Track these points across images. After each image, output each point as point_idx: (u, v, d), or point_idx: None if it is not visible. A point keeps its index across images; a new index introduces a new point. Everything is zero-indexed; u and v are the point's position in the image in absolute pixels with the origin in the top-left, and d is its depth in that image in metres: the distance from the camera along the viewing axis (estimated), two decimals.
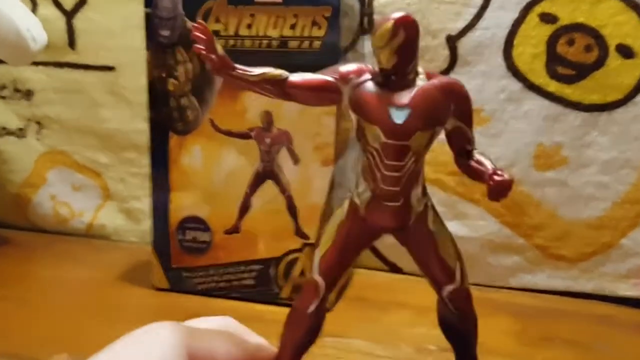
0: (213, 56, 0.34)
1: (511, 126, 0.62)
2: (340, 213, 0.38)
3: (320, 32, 0.53)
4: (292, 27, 0.53)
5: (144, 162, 0.74)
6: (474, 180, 0.37)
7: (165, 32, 0.57)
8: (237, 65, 0.35)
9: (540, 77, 0.60)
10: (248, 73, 0.35)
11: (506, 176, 0.34)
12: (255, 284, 0.59)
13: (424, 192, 0.37)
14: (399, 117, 0.34)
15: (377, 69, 0.35)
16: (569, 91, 0.60)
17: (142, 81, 0.71)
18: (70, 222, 0.79)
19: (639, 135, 0.59)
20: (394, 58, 0.34)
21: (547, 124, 0.61)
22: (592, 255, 0.63)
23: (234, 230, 0.58)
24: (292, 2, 0.53)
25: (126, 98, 0.73)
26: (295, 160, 0.56)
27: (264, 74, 0.35)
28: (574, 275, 0.64)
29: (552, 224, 0.63)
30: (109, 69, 0.73)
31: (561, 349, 0.53)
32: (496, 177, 0.33)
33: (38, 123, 0.78)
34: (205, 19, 0.55)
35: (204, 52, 0.34)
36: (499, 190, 0.33)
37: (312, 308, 0.37)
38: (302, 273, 0.57)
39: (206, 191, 0.58)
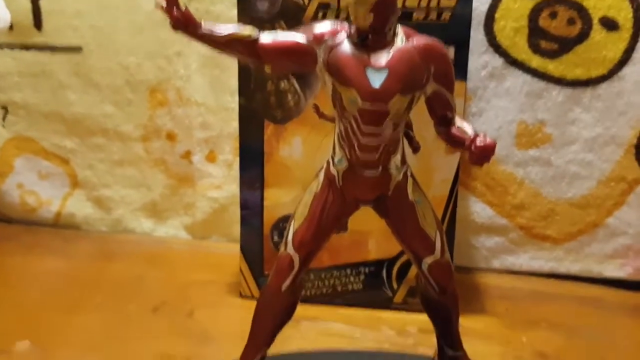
0: (175, 10, 0.31)
1: (493, 104, 0.60)
2: (315, 184, 0.36)
3: (451, 2, 0.47)
4: None
5: (113, 149, 0.71)
6: (455, 148, 0.35)
7: (263, 5, 0.49)
8: (203, 23, 0.32)
9: (523, 52, 0.58)
10: (215, 32, 0.33)
11: (488, 140, 0.32)
12: (363, 288, 0.54)
13: (404, 161, 0.35)
14: (376, 79, 0.32)
15: (353, 28, 0.33)
16: (551, 66, 0.58)
17: (111, 63, 0.69)
18: (38, 212, 0.75)
19: (624, 110, 0.58)
20: (371, 16, 0.32)
21: (529, 100, 0.59)
22: (578, 235, 0.61)
23: (341, 229, 0.52)
24: None
25: (94, 81, 0.70)
26: (415, 148, 0.46)
27: (232, 34, 0.33)
28: (559, 256, 0.62)
29: (536, 203, 0.61)
30: (76, 49, 0.69)
31: (547, 331, 0.51)
32: (478, 142, 0.32)
33: (3, 108, 0.74)
34: None
35: (164, 6, 0.31)
36: (481, 155, 0.31)
37: (286, 284, 0.35)
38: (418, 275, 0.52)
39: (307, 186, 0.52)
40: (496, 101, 0.60)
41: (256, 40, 0.33)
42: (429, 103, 0.35)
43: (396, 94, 0.32)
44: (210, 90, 0.66)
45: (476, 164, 0.32)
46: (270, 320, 0.35)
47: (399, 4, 0.46)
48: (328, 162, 0.35)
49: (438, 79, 0.33)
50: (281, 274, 0.35)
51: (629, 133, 0.59)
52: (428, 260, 0.36)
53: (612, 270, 0.61)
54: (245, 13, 0.49)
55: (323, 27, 0.34)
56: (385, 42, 0.33)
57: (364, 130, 0.33)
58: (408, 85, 0.33)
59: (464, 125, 0.34)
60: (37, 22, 0.70)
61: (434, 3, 0.47)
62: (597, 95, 0.58)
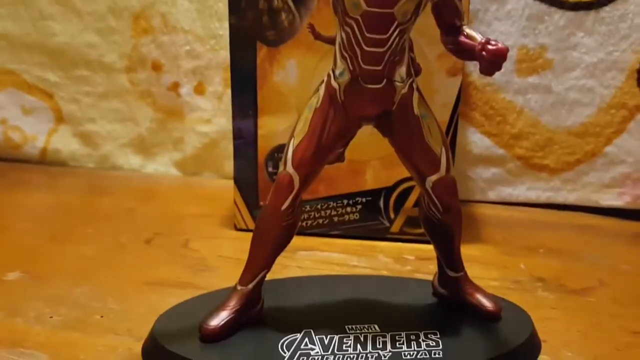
0: None
1: (494, 27, 0.58)
2: (315, 99, 0.34)
3: None
4: None
5: (98, 81, 0.69)
6: (464, 58, 0.33)
7: None
8: None
9: None
10: None
11: (500, 45, 0.30)
12: (360, 218, 0.52)
13: (409, 72, 0.33)
14: None
15: None
16: None
17: None
18: (23, 148, 0.73)
19: (627, 34, 0.56)
20: None
21: (531, 24, 0.57)
22: (576, 164, 0.60)
23: (337, 159, 0.51)
24: None
25: (76, 8, 0.66)
26: (416, 70, 0.46)
27: None
28: (556, 186, 0.61)
29: (534, 132, 0.60)
30: None
31: (545, 256, 0.51)
32: (489, 46, 0.30)
33: None
34: None
35: None
36: (493, 61, 0.30)
37: (286, 204, 0.33)
38: (417, 203, 0.51)
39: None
40: (497, 25, 0.58)
41: None
42: (436, 10, 0.33)
43: None
44: (198, 16, 0.64)
45: (487, 71, 0.30)
46: (269, 241, 0.34)
47: None
48: (329, 75, 0.33)
49: None
50: (280, 194, 0.34)
51: (631, 57, 0.57)
52: (432, 178, 0.34)
53: (610, 199, 0.61)
54: None
55: None
56: None
57: (367, 38, 0.31)
58: None
59: (472, 33, 0.32)
60: None
61: None
62: (600, 19, 0.57)
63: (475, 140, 0.61)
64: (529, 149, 0.61)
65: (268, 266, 0.35)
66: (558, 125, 0.60)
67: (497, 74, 0.57)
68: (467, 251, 0.48)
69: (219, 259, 0.48)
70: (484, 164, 0.62)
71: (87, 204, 0.61)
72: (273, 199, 0.34)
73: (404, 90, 0.33)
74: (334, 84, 0.33)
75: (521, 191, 0.62)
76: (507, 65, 0.58)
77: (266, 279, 0.35)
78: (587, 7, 0.56)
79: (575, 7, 0.57)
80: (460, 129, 0.61)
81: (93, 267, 0.46)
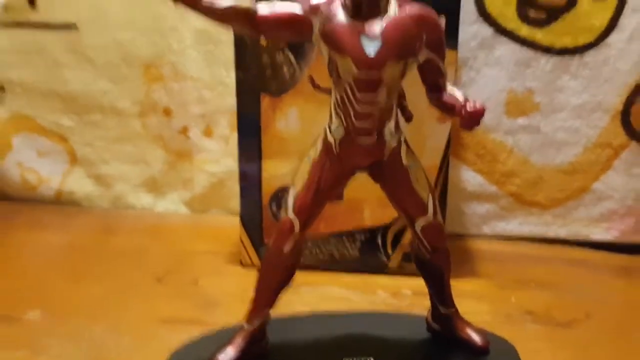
0: None
1: (483, 73, 0.61)
2: (313, 151, 0.37)
3: None
4: None
5: (110, 124, 0.72)
6: (447, 114, 0.36)
7: None
8: None
9: (512, 21, 0.60)
10: (215, 5, 0.34)
11: (478, 105, 0.33)
12: (359, 254, 0.55)
13: (397, 127, 0.37)
14: (371, 47, 0.33)
15: None
16: (540, 35, 0.60)
17: (106, 39, 0.70)
18: (39, 189, 0.76)
19: (610, 77, 0.60)
20: None
21: (518, 69, 0.61)
22: (565, 200, 0.63)
23: (337, 198, 0.54)
24: None
25: (89, 57, 0.70)
26: (408, 117, 0.49)
27: (232, 7, 0.34)
28: (548, 221, 0.64)
29: (525, 170, 0.63)
30: (71, 26, 0.70)
31: (535, 290, 0.53)
32: (468, 107, 0.33)
33: (0, 87, 0.75)
34: None
35: None
36: (471, 119, 0.33)
37: (288, 247, 0.37)
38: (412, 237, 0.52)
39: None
40: (486, 70, 0.61)
41: (254, 12, 0.34)
42: (421, 70, 0.36)
43: (390, 61, 0.34)
44: (205, 65, 0.67)
45: (466, 128, 0.34)
46: (273, 281, 0.37)
47: None
48: (325, 130, 0.37)
49: (430, 46, 0.35)
50: (283, 237, 0.37)
51: (615, 99, 0.60)
52: (421, 222, 0.37)
53: (599, 234, 0.63)
54: None
55: None
56: (378, 11, 0.34)
57: (359, 97, 0.34)
58: (401, 52, 0.34)
59: (454, 92, 0.35)
60: (31, 0, 0.71)
61: None
62: (584, 63, 0.60)
63: (469, 178, 0.64)
64: (520, 186, 0.64)
65: (272, 305, 0.38)
66: (547, 164, 0.63)
67: (487, 115, 0.61)
68: (462, 286, 0.52)
69: (226, 296, 0.51)
70: (478, 200, 0.65)
71: (101, 242, 0.64)
72: (276, 242, 0.37)
73: (394, 144, 0.36)
74: (330, 137, 0.36)
75: (514, 226, 0.65)
76: (497, 108, 0.62)
77: (272, 314, 0.38)
78: (572, 52, 0.60)
79: (560, 53, 0.60)
80: (455, 168, 0.64)
81: (108, 304, 0.49)
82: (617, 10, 0.58)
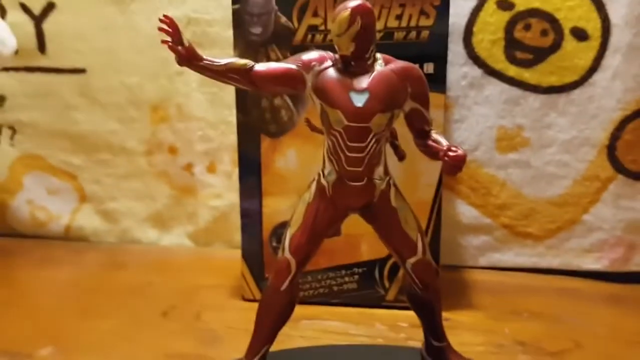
0: (180, 48, 0.35)
1: (474, 111, 0.64)
2: (308, 194, 0.40)
3: (429, 22, 0.51)
4: (398, 17, 0.51)
5: (118, 163, 0.75)
6: (432, 158, 0.39)
7: (256, 30, 0.52)
8: (204, 56, 0.37)
9: (500, 62, 0.63)
10: (215, 63, 0.37)
11: (460, 151, 0.36)
12: (357, 287, 0.57)
13: (386, 171, 0.39)
14: (359, 100, 0.36)
15: (337, 56, 0.37)
16: (527, 75, 0.63)
17: (114, 82, 0.73)
18: (48, 226, 0.79)
19: (596, 114, 0.62)
20: (353, 45, 0.36)
21: (508, 107, 0.63)
22: (557, 231, 0.65)
23: (335, 233, 0.55)
24: None
25: (98, 100, 0.74)
26: (401, 156, 0.51)
27: (229, 63, 0.37)
28: (541, 252, 0.66)
29: (517, 203, 0.65)
30: (80, 71, 0.73)
31: (529, 321, 0.55)
32: (450, 153, 0.36)
33: (11, 128, 0.78)
34: (302, 12, 0.52)
35: (171, 44, 0.35)
36: (453, 165, 0.35)
37: (285, 285, 0.39)
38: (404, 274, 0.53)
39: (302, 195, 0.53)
40: (477, 108, 0.64)
41: (251, 69, 0.37)
42: (407, 119, 0.39)
43: (377, 113, 0.36)
44: (210, 106, 0.71)
45: (449, 173, 0.36)
46: (271, 319, 0.39)
47: (381, 25, 0.51)
48: (319, 174, 0.39)
49: (415, 97, 0.38)
50: (280, 276, 0.39)
51: (601, 135, 0.63)
52: (411, 260, 0.40)
53: (590, 264, 0.65)
54: (241, 36, 0.53)
55: (311, 55, 0.38)
56: (366, 67, 0.37)
57: (349, 145, 0.37)
58: (388, 104, 0.37)
59: (439, 138, 0.38)
60: (41, 46, 0.74)
61: (413, 23, 0.52)
62: (570, 101, 0.63)
63: (464, 211, 0.67)
64: (513, 218, 0.66)
65: (270, 341, 0.40)
66: (538, 196, 0.65)
67: (479, 150, 0.64)
68: (457, 317, 0.53)
69: (228, 330, 0.53)
70: (473, 232, 0.67)
71: (108, 278, 0.66)
72: (273, 281, 0.39)
73: (383, 187, 0.39)
74: (323, 181, 0.39)
75: (509, 257, 0.67)
76: (487, 144, 0.65)
77: (272, 349, 0.40)
78: (558, 90, 0.63)
79: (547, 91, 0.63)
80: (450, 202, 0.66)
81: (116, 340, 0.51)
82: (600, 51, 0.61)
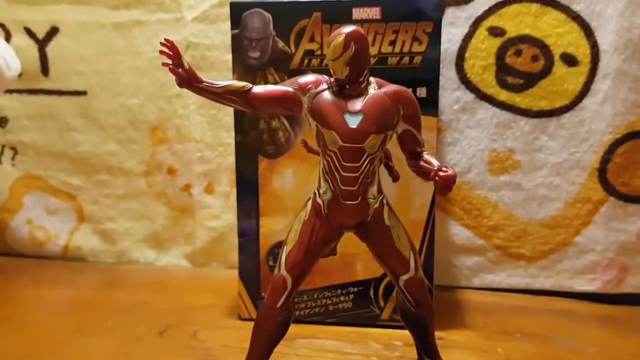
0: (181, 70, 0.37)
1: (466, 134, 0.65)
2: (303, 212, 0.41)
3: (421, 48, 0.53)
4: (391, 43, 0.53)
5: (117, 184, 0.76)
6: (424, 179, 0.40)
7: (255, 54, 0.54)
8: (204, 78, 0.38)
9: (491, 87, 0.64)
10: (214, 85, 0.38)
11: (450, 171, 0.37)
12: (352, 306, 0.58)
13: (380, 190, 0.40)
14: (353, 122, 0.38)
15: (332, 79, 0.39)
16: (518, 99, 0.64)
17: (114, 104, 0.74)
18: (47, 246, 0.80)
19: (586, 137, 0.64)
20: (347, 69, 0.37)
21: (499, 130, 0.65)
22: (550, 253, 0.66)
23: (330, 253, 0.54)
24: (391, 19, 0.52)
25: (98, 121, 0.75)
26: (395, 177, 0.53)
27: (228, 85, 0.38)
28: (534, 273, 0.67)
29: (509, 224, 0.66)
30: (82, 93, 0.75)
31: (522, 341, 0.56)
32: (441, 173, 0.37)
33: (13, 149, 0.79)
34: (299, 37, 0.54)
35: (172, 66, 0.37)
36: (443, 185, 0.37)
37: (280, 302, 0.40)
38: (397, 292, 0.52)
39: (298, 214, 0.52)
40: (469, 132, 0.65)
41: (249, 90, 0.39)
42: (400, 140, 0.40)
43: (371, 134, 0.38)
44: (208, 128, 0.72)
45: (439, 192, 0.37)
46: (267, 335, 0.40)
47: (375, 50, 0.52)
48: (314, 194, 0.40)
49: (407, 119, 0.39)
50: (276, 293, 0.40)
51: (592, 158, 0.64)
52: (404, 277, 0.41)
53: (582, 285, 0.66)
54: (239, 60, 0.55)
55: (307, 78, 0.39)
56: (360, 90, 0.38)
57: (344, 165, 0.38)
58: (381, 126, 0.38)
59: (430, 159, 0.39)
60: (44, 69, 0.76)
61: (406, 49, 0.53)
62: (561, 124, 0.64)
63: (457, 232, 0.68)
64: (505, 240, 0.67)
65: (266, 357, 0.40)
66: (530, 218, 0.66)
67: (472, 173, 0.65)
68: (452, 337, 0.54)
69: (225, 349, 0.54)
70: (466, 253, 0.68)
71: (106, 297, 0.67)
72: (269, 298, 0.40)
73: (376, 205, 0.40)
74: (319, 200, 0.40)
75: (502, 278, 0.68)
76: (480, 166, 0.66)
77: None
78: (549, 114, 0.64)
79: (538, 115, 0.64)
80: (444, 223, 0.67)
81: (113, 359, 0.51)
82: (590, 76, 0.63)
